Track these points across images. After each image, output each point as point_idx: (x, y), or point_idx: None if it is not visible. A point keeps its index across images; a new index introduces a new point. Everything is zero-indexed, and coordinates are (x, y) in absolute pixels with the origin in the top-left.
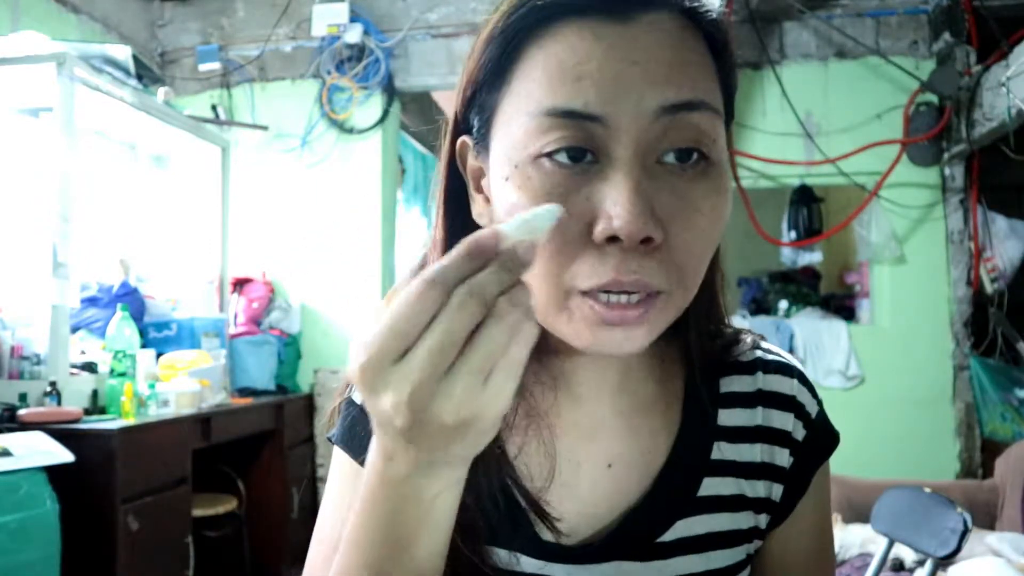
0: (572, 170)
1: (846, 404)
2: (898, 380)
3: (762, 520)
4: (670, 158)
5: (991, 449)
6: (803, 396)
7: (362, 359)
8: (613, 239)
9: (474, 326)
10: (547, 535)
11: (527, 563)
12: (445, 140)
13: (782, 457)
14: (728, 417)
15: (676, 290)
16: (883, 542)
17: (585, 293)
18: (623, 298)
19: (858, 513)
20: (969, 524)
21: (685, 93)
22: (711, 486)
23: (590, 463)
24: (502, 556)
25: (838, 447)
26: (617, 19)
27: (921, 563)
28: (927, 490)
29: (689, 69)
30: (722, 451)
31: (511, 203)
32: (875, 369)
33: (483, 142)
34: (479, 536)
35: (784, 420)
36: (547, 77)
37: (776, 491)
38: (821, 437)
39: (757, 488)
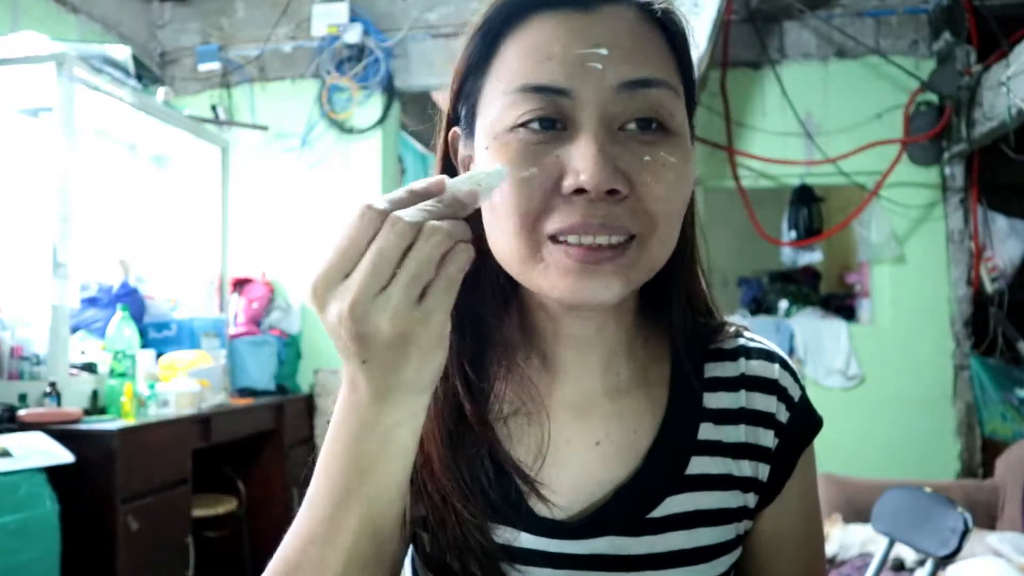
0: (544, 135)
1: (846, 404)
2: (898, 380)
3: (750, 499)
4: (632, 127)
5: (991, 449)
6: (785, 380)
7: (312, 279)
8: (580, 192)
9: (406, 246)
10: (544, 511)
11: (526, 539)
12: (439, 134)
13: (766, 438)
14: (713, 400)
15: (649, 236)
16: (883, 542)
17: (556, 240)
18: (597, 238)
19: (858, 513)
20: (970, 524)
21: (643, 71)
22: (699, 465)
23: (579, 441)
24: (503, 533)
25: (840, 447)
26: (582, 10)
27: (921, 563)
28: (927, 490)
29: (646, 52)
30: (708, 432)
31: None
32: (875, 369)
33: (469, 127)
34: (482, 513)
35: (767, 402)
36: (521, 60)
37: (762, 471)
38: (805, 420)
39: (743, 468)
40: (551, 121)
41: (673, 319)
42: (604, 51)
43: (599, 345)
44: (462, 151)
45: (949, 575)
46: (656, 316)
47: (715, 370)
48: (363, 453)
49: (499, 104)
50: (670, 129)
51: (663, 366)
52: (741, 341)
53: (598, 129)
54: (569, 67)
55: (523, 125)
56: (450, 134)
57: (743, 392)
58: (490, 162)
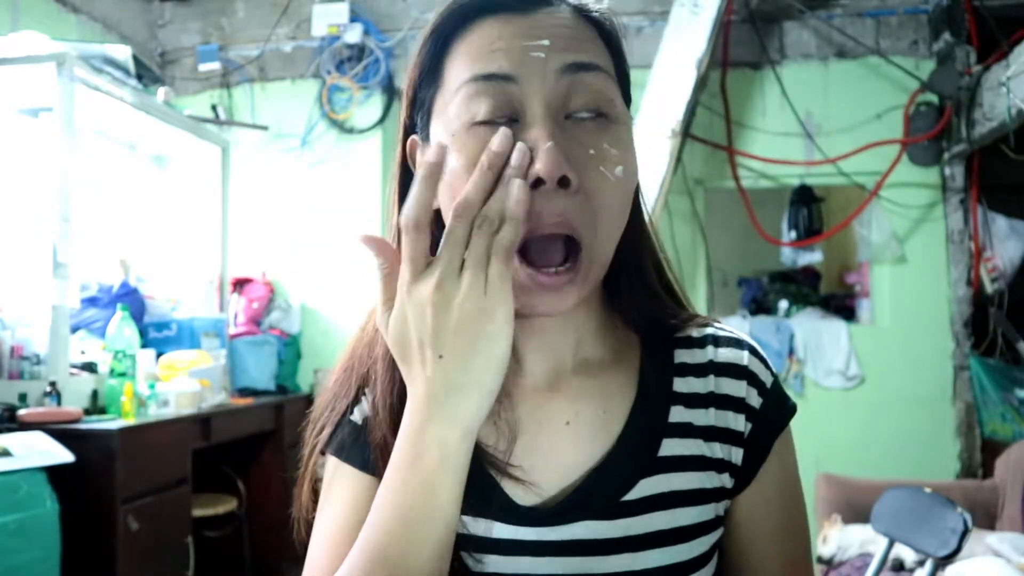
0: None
1: (846, 404)
2: (898, 380)
3: (726, 480)
4: (576, 114)
5: (991, 449)
6: (755, 366)
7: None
8: (537, 183)
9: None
10: (519, 499)
11: (500, 529)
12: (397, 144)
13: (737, 422)
14: (682, 385)
15: (592, 239)
16: (883, 542)
17: (521, 256)
18: (551, 269)
19: (858, 513)
20: (969, 524)
21: (582, 57)
22: (671, 447)
23: (549, 421)
24: (477, 525)
25: (840, 447)
26: (522, 13)
27: (921, 563)
28: (927, 490)
29: (583, 43)
30: (679, 415)
31: (451, 168)
32: (875, 369)
33: (425, 132)
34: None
35: (736, 387)
36: (470, 57)
37: (736, 454)
38: (778, 404)
39: (715, 450)
40: (505, 120)
41: (623, 303)
42: (546, 42)
43: (566, 329)
44: (420, 158)
45: (949, 575)
46: (619, 302)
47: (684, 356)
48: (426, 469)
49: (453, 102)
50: (611, 117)
51: (632, 351)
52: (710, 330)
53: (547, 119)
54: (514, 56)
55: (478, 124)
56: (409, 142)
57: (712, 377)
58: (451, 161)
